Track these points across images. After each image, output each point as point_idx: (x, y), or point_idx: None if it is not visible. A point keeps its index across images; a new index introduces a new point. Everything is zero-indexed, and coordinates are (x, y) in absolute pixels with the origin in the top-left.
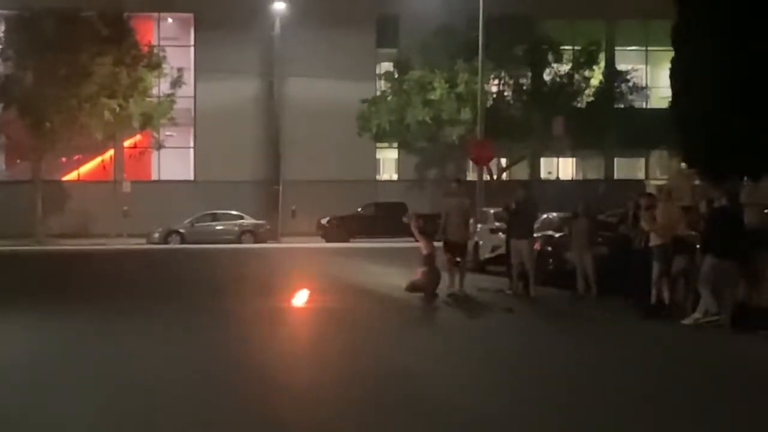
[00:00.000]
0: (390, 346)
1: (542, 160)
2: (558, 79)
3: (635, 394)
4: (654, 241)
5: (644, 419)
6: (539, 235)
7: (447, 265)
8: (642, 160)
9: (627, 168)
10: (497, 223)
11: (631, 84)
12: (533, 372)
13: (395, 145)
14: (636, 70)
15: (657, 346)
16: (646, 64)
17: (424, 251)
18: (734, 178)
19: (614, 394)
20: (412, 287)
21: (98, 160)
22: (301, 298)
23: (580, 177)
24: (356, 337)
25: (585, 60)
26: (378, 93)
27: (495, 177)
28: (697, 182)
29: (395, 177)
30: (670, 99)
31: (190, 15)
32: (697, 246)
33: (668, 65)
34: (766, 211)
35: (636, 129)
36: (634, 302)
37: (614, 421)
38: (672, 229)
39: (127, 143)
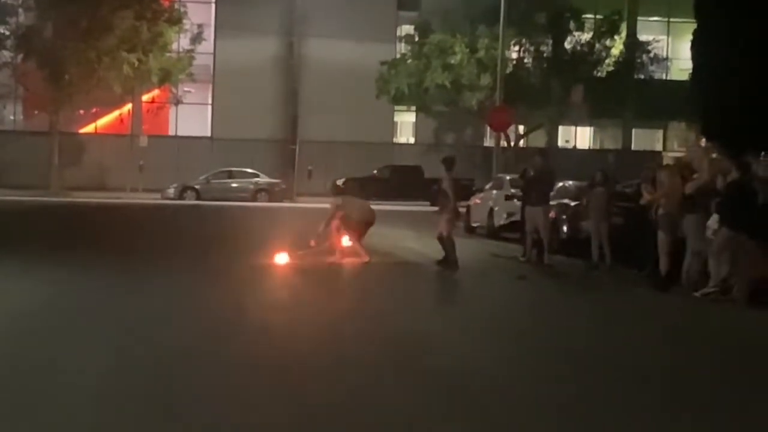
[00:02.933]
0: (397, 309)
1: (560, 128)
2: (579, 48)
3: (639, 366)
4: (661, 209)
5: (644, 392)
6: (555, 203)
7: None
8: (660, 132)
9: (645, 139)
10: (513, 190)
11: (651, 55)
12: (540, 340)
13: (413, 108)
14: (657, 41)
15: (664, 319)
16: (668, 35)
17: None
18: (751, 153)
19: (617, 366)
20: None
21: (116, 113)
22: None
23: (598, 146)
24: (363, 298)
25: (606, 29)
26: (398, 56)
27: (512, 144)
28: (714, 155)
29: (412, 140)
30: (690, 71)
31: None
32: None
33: (690, 37)
34: None
35: (655, 100)
36: (646, 273)
37: (612, 393)
38: (675, 197)
39: (145, 98)
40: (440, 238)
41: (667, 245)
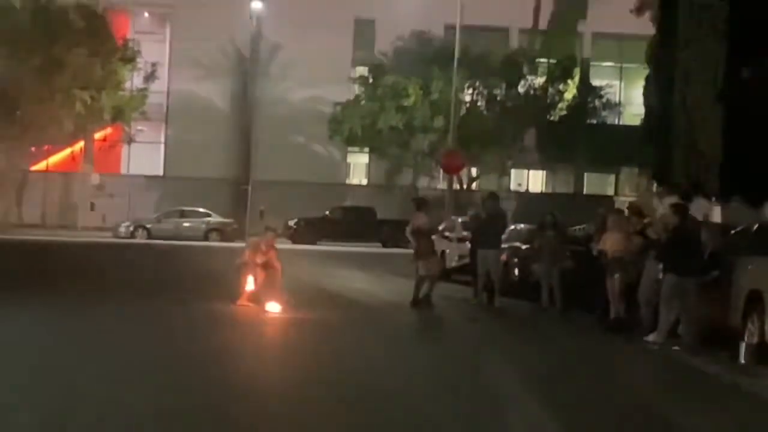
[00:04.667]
0: (342, 351)
1: (512, 171)
2: (532, 92)
3: (587, 407)
4: (610, 254)
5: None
6: (506, 246)
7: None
8: (612, 177)
9: (597, 183)
10: (464, 233)
11: (604, 100)
12: (488, 382)
13: (366, 149)
14: (610, 86)
15: (612, 363)
16: (621, 80)
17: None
18: (701, 198)
19: (564, 405)
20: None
21: (68, 151)
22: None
23: (550, 190)
24: (310, 343)
25: (560, 74)
26: (352, 97)
27: (464, 186)
28: (665, 200)
29: (365, 182)
30: (642, 116)
31: (167, 10)
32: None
33: (642, 83)
34: (732, 232)
35: (607, 145)
36: (596, 317)
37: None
38: (626, 242)
39: (97, 136)
40: (432, 277)
41: (620, 288)
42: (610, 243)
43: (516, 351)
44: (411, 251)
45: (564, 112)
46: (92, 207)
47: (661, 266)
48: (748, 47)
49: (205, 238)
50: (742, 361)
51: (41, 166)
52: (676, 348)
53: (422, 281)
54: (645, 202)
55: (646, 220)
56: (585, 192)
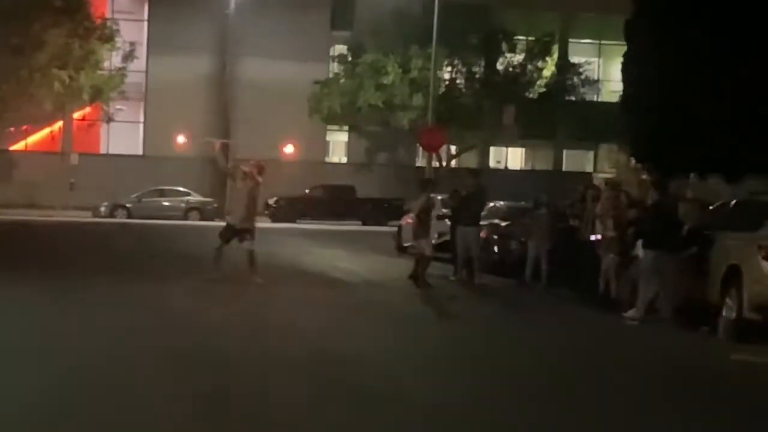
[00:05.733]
0: (321, 327)
1: (492, 148)
2: (511, 69)
3: (565, 383)
4: (599, 233)
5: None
6: (486, 223)
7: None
8: (591, 153)
9: (576, 160)
10: (444, 210)
11: (583, 77)
12: (465, 358)
13: (345, 127)
14: (589, 63)
15: (595, 338)
16: (600, 57)
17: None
18: (678, 175)
19: (541, 381)
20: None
21: (47, 130)
22: None
23: (529, 167)
24: (289, 318)
25: (538, 51)
26: (331, 75)
27: (444, 164)
28: (644, 177)
29: (344, 160)
30: (620, 93)
31: None
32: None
33: (621, 59)
34: (710, 207)
35: (586, 122)
36: (581, 293)
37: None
38: (615, 220)
39: (76, 115)
40: (423, 257)
41: (615, 267)
42: (603, 223)
43: (494, 325)
44: (392, 229)
45: (543, 89)
46: (71, 186)
47: (640, 242)
48: (724, 24)
49: (185, 217)
50: (720, 337)
51: (20, 145)
52: (654, 321)
53: (426, 260)
54: (623, 179)
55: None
56: (564, 168)
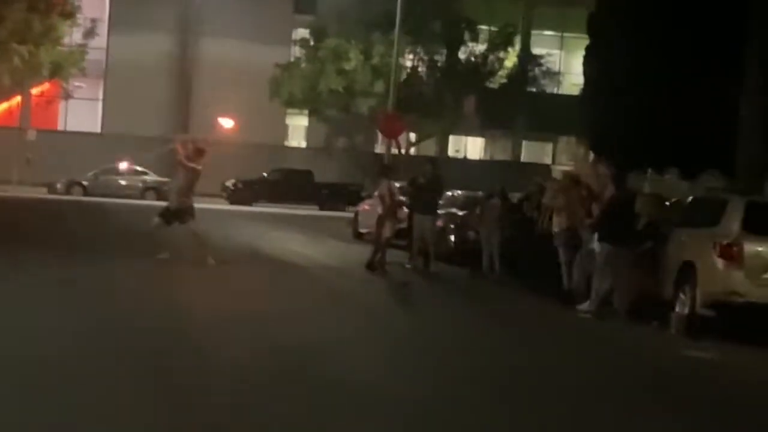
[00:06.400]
0: (271, 311)
1: (451, 137)
2: (473, 59)
3: (511, 373)
4: (557, 226)
5: (512, 399)
6: (443, 212)
7: None
8: (550, 145)
9: (535, 151)
10: (401, 197)
11: (544, 68)
12: (414, 345)
13: (306, 112)
14: (550, 55)
15: (546, 329)
16: (561, 49)
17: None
18: (636, 169)
19: (485, 371)
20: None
21: (4, 105)
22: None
23: (488, 157)
24: (238, 301)
25: (500, 41)
26: (292, 59)
27: (403, 151)
28: (602, 170)
29: (304, 144)
30: (581, 86)
31: None
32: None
33: (582, 53)
34: (666, 203)
35: (546, 114)
36: (535, 285)
37: (473, 396)
38: (572, 213)
39: (34, 91)
40: (381, 241)
41: (568, 260)
42: (559, 215)
43: (445, 314)
44: (349, 215)
45: (504, 80)
46: (28, 162)
47: (595, 236)
48: (684, 19)
49: (142, 196)
50: (672, 332)
51: None
52: (608, 313)
53: (383, 246)
54: (581, 172)
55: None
56: (522, 160)
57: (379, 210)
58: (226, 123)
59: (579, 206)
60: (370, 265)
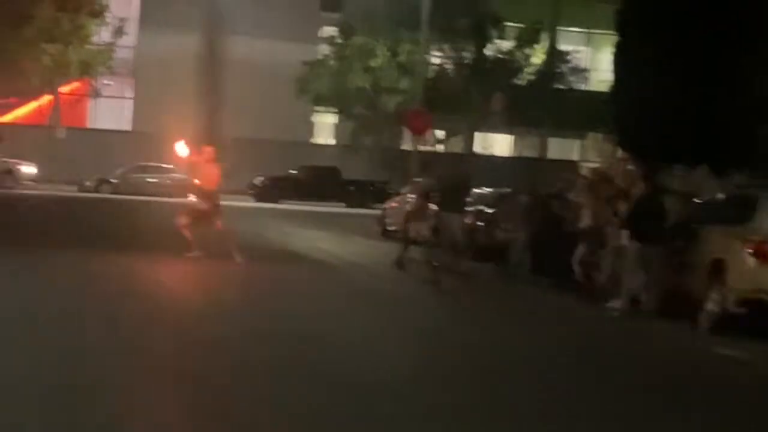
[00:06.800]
0: (298, 308)
1: (478, 134)
2: (500, 56)
3: (537, 370)
4: (581, 222)
5: (538, 396)
6: (471, 209)
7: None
8: (577, 142)
9: (562, 148)
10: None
11: (571, 65)
12: (442, 344)
13: (333, 109)
14: (578, 52)
15: (575, 327)
16: (588, 46)
17: None
18: (665, 167)
19: (514, 369)
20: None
21: (34, 104)
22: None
23: (515, 154)
24: (265, 297)
25: (528, 38)
26: (320, 57)
27: (430, 148)
28: (630, 167)
29: (331, 141)
30: (609, 83)
31: None
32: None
33: (610, 49)
34: (695, 200)
35: (573, 110)
36: (564, 282)
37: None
38: (600, 210)
39: (64, 89)
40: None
41: (587, 255)
42: (583, 212)
43: (473, 312)
44: (376, 212)
45: (531, 77)
46: (58, 160)
47: (625, 233)
48: (714, 15)
49: (170, 194)
50: (703, 330)
51: (8, 118)
52: (637, 312)
53: (410, 243)
54: (609, 169)
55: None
56: (550, 157)
57: (408, 207)
58: (182, 150)
59: (603, 203)
60: (400, 263)
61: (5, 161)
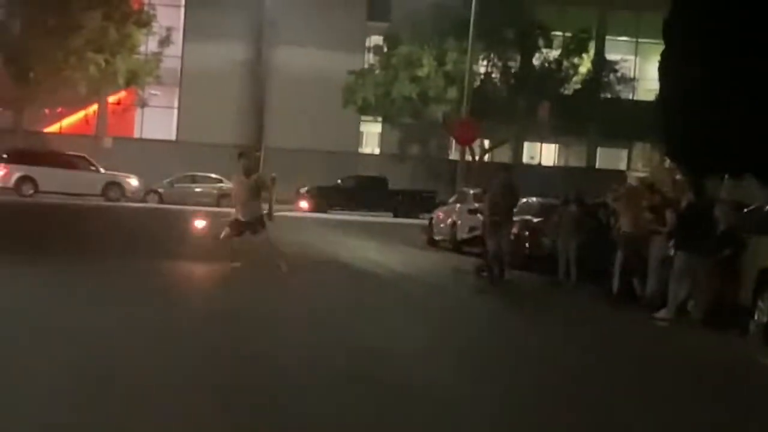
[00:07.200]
0: (344, 318)
1: (525, 144)
2: (546, 65)
3: (591, 383)
4: (618, 229)
5: (584, 407)
6: (518, 219)
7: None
8: (625, 151)
9: (609, 158)
10: (476, 204)
11: (619, 74)
12: (488, 354)
13: (379, 119)
14: (625, 61)
15: (622, 338)
16: (636, 55)
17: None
18: (712, 176)
19: (562, 380)
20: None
21: (81, 113)
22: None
23: (563, 163)
24: (318, 308)
25: (575, 47)
26: (366, 66)
27: (477, 158)
28: (678, 176)
29: (377, 151)
30: (656, 92)
31: None
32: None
33: (657, 58)
34: (744, 210)
35: (621, 120)
36: (602, 290)
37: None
38: (637, 218)
39: (111, 99)
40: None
41: (621, 263)
42: (622, 219)
43: (515, 320)
44: (423, 222)
45: (578, 86)
46: (105, 170)
47: (672, 243)
48: (762, 23)
49: (217, 203)
50: (751, 340)
51: (55, 127)
52: (685, 321)
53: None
54: (657, 178)
55: (658, 196)
56: (597, 166)
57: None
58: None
59: (642, 211)
60: (493, 278)
61: (113, 174)
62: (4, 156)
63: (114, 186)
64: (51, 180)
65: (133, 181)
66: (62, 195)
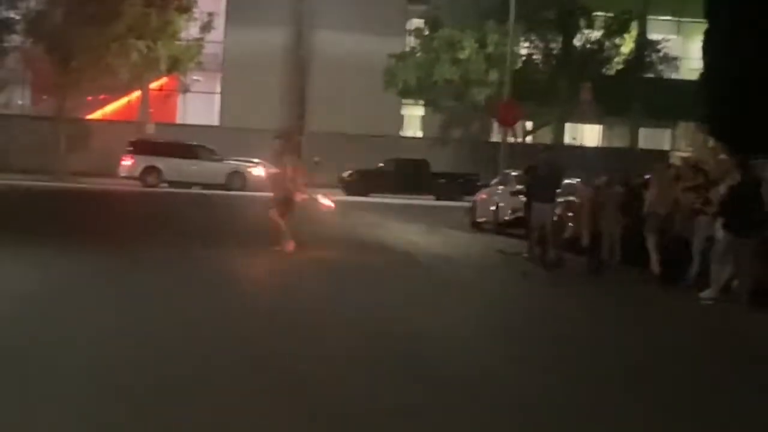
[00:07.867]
0: (386, 300)
1: (567, 125)
2: (588, 46)
3: (624, 364)
4: (647, 208)
5: (627, 390)
6: (561, 200)
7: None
8: (668, 131)
9: (653, 138)
10: (518, 186)
11: (661, 54)
12: (532, 334)
13: (421, 102)
14: (668, 41)
15: (662, 319)
16: (679, 34)
17: None
18: (757, 155)
19: (602, 361)
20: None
21: (124, 100)
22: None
23: (605, 144)
24: (359, 290)
25: (616, 28)
26: (407, 49)
27: (519, 139)
28: (722, 156)
29: (419, 134)
30: (700, 71)
31: None
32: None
33: (701, 37)
34: None
35: (664, 100)
36: (646, 271)
37: (588, 386)
38: (665, 199)
39: (153, 85)
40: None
41: (653, 244)
42: (649, 198)
43: (565, 304)
44: (465, 204)
45: (620, 66)
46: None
47: (718, 223)
48: None
49: (261, 187)
50: None
51: (97, 114)
52: (729, 301)
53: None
54: (701, 158)
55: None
56: (640, 147)
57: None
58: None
59: (672, 190)
60: (551, 263)
61: (237, 162)
62: (130, 148)
63: (237, 176)
64: (175, 170)
65: (256, 171)
66: (185, 185)
